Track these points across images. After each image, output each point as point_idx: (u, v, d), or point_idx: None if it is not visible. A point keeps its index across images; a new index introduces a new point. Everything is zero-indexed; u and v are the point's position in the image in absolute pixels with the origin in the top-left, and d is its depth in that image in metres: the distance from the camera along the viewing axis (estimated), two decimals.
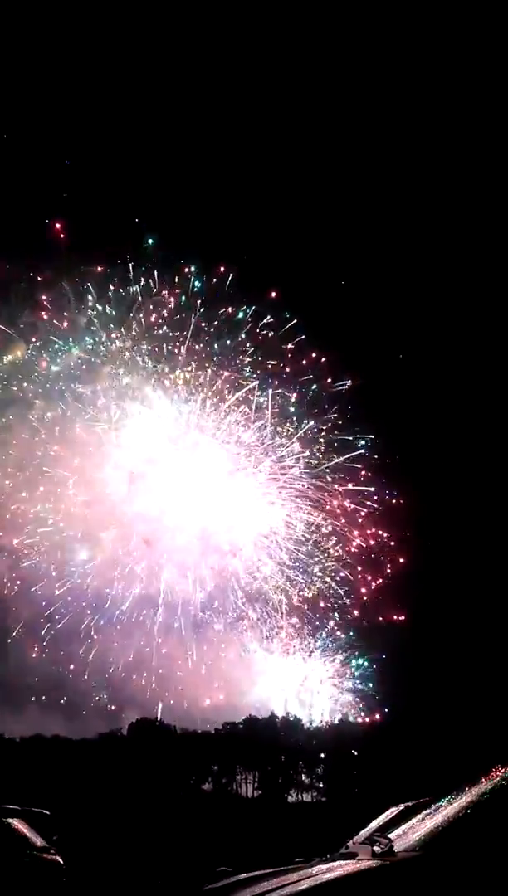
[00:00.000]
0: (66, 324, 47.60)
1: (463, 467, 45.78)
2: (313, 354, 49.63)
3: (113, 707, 48.74)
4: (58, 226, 45.26)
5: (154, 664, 49.00)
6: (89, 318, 47.84)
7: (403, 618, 48.53)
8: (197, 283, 48.86)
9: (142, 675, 49.09)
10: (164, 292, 48.50)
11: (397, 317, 48.54)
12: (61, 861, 11.28)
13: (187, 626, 50.61)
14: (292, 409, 49.98)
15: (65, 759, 40.96)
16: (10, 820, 11.33)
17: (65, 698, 48.00)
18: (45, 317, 47.17)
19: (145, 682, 49.05)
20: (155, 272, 48.28)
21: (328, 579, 50.68)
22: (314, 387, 49.71)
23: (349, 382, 49.29)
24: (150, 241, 47.49)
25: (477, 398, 45.32)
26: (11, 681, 45.68)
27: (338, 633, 51.11)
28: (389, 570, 49.77)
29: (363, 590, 50.29)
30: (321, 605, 50.87)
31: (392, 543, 49.61)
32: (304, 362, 49.95)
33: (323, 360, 49.75)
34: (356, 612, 50.45)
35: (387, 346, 48.34)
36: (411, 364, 48.99)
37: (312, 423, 49.64)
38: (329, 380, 49.58)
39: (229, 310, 49.18)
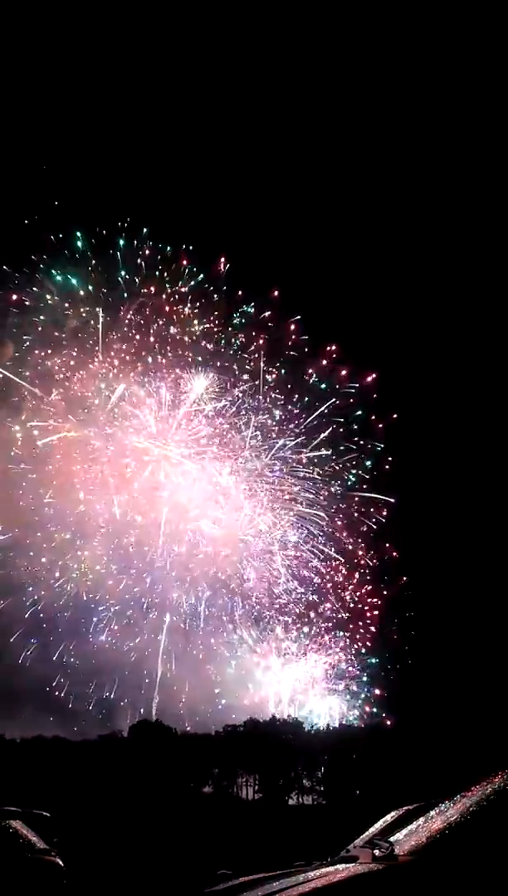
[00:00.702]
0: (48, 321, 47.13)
1: (467, 473, 45.74)
2: (324, 361, 49.38)
3: (112, 709, 48.90)
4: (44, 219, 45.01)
5: (154, 666, 49.15)
6: (78, 316, 47.34)
7: (403, 628, 48.57)
8: (192, 280, 48.60)
9: (142, 676, 49.24)
10: (151, 288, 48.21)
11: (403, 318, 48.53)
12: (61, 863, 11.24)
13: (187, 629, 50.71)
14: (295, 418, 49.71)
15: (65, 760, 40.89)
16: (10, 822, 11.29)
17: (65, 701, 48.28)
18: (34, 316, 46.87)
19: (145, 683, 49.23)
20: (144, 266, 47.96)
21: (328, 588, 50.76)
22: (324, 385, 49.46)
23: (356, 385, 49.17)
24: (145, 229, 47.12)
25: (479, 405, 45.37)
26: (11, 682, 45.84)
27: (338, 637, 51.18)
28: (386, 588, 49.72)
29: (368, 599, 50.32)
30: (320, 614, 50.98)
31: (395, 554, 49.55)
32: (310, 371, 49.71)
33: (331, 355, 49.56)
34: (356, 621, 50.57)
35: (391, 350, 48.34)
36: (411, 369, 48.97)
37: (316, 423, 49.48)
38: (344, 372, 49.26)
39: (227, 307, 49.00)
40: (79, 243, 46.46)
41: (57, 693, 48.06)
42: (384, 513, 49.33)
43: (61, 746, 43.74)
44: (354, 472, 49.75)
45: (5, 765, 35.87)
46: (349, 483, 49.75)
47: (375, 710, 50.31)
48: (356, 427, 49.60)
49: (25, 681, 46.78)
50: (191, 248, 47.86)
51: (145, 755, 41.78)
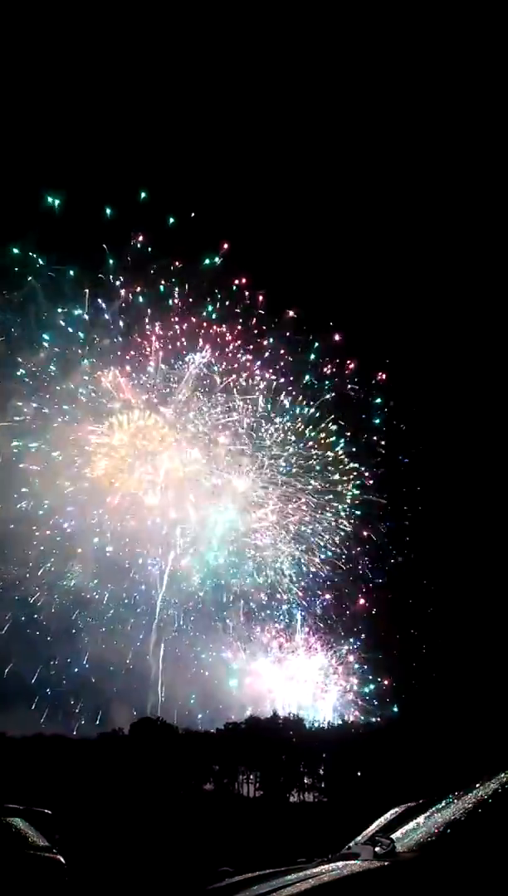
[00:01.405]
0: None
1: (472, 466, 45.46)
2: (328, 369, 48.67)
3: (113, 707, 48.82)
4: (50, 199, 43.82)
5: (152, 665, 49.06)
6: (65, 316, 46.54)
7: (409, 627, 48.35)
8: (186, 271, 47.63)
9: (141, 676, 49.16)
10: (138, 288, 47.44)
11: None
12: (63, 861, 11.27)
13: (185, 627, 50.62)
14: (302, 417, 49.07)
15: (66, 758, 40.93)
16: (11, 819, 11.32)
17: (64, 700, 48.20)
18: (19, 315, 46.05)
19: (144, 682, 49.16)
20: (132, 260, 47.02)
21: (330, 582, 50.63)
22: (327, 383, 48.95)
23: (358, 387, 48.69)
24: (142, 193, 45.93)
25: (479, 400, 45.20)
26: (8, 681, 45.83)
27: (338, 632, 51.13)
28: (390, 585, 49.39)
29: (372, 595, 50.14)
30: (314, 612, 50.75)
31: (393, 552, 49.35)
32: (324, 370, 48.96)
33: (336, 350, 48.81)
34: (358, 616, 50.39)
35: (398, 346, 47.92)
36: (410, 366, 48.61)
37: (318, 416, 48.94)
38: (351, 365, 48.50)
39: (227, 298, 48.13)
40: (51, 199, 44.71)
41: (56, 692, 48.07)
42: (387, 507, 49.06)
43: (62, 744, 43.78)
44: (355, 465, 49.37)
45: (6, 763, 35.92)
46: (352, 481, 49.49)
47: (375, 706, 50.33)
48: (360, 419, 49.23)
49: (22, 680, 46.74)
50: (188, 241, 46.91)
51: (146, 752, 41.83)
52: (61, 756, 40.97)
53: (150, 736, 43.77)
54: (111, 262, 46.58)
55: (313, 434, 49.30)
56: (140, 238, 46.53)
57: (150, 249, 46.90)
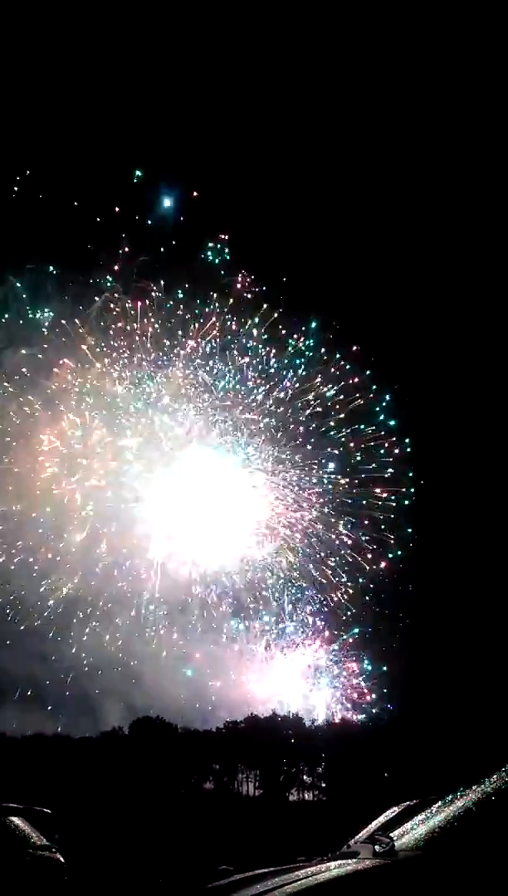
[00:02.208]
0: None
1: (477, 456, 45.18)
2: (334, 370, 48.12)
3: (112, 707, 48.61)
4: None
5: (151, 664, 48.84)
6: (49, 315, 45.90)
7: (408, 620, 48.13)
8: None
9: (141, 675, 48.96)
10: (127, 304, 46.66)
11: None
12: (62, 860, 11.27)
13: (189, 623, 50.42)
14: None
15: (66, 757, 40.96)
16: (10, 818, 11.31)
17: (65, 700, 47.97)
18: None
19: (144, 681, 49.00)
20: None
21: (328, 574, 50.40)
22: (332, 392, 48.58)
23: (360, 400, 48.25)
24: (138, 173, 44.78)
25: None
26: (11, 679, 45.69)
27: (340, 631, 50.99)
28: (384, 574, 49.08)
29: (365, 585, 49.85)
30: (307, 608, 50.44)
31: (391, 542, 49.04)
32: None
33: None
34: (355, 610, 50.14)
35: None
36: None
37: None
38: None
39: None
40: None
41: (56, 692, 47.80)
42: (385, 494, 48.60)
43: (62, 743, 43.80)
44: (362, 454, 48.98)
45: (6, 762, 35.94)
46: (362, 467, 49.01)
47: (375, 704, 50.26)
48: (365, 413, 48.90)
49: (21, 680, 46.53)
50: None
51: (146, 752, 41.88)
52: (61, 755, 41.01)
53: (149, 735, 43.81)
54: (101, 260, 46.00)
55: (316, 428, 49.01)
56: (127, 237, 45.78)
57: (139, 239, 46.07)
